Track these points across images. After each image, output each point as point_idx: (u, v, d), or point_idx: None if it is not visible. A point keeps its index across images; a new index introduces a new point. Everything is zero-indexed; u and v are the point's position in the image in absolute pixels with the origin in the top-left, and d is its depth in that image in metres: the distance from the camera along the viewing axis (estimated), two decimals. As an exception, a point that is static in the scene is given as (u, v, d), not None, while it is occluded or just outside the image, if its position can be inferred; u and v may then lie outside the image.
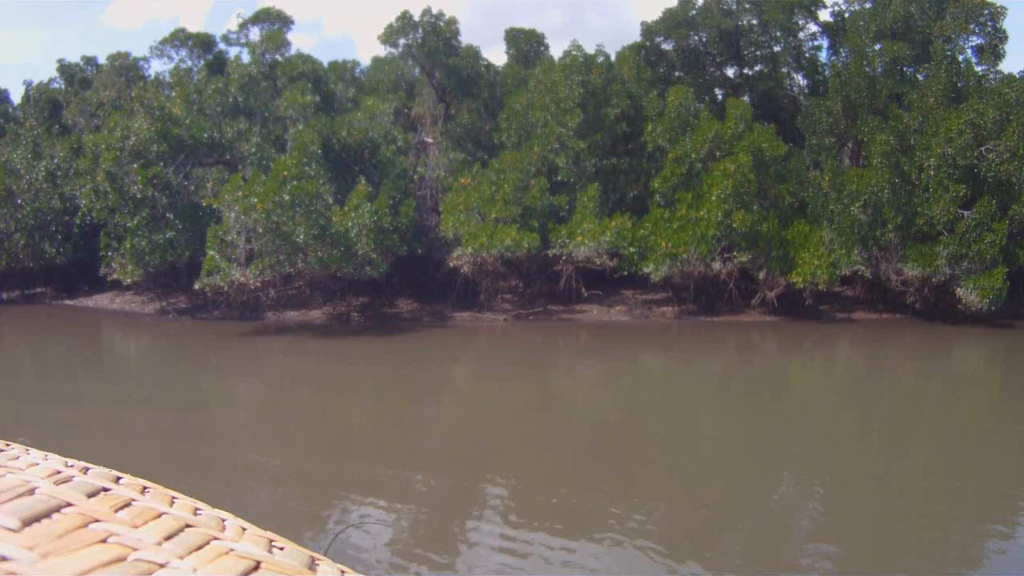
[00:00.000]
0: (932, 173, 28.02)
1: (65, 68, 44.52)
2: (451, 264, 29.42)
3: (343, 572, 2.41)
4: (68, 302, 31.85)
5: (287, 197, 26.16)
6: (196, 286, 26.78)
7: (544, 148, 30.73)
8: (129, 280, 28.02)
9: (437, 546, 11.46)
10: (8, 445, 3.06)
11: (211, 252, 26.56)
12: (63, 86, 44.10)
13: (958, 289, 26.97)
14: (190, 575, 2.01)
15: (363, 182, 28.85)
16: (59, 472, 2.61)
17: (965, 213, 27.30)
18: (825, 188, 29.44)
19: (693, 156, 29.67)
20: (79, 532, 2.08)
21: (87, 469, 2.75)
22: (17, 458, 2.84)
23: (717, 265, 28.65)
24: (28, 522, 2.07)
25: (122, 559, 1.99)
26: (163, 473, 10.80)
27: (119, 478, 2.69)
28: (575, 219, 29.45)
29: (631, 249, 28.99)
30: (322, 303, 29.50)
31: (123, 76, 40.57)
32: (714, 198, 28.33)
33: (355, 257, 27.28)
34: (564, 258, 29.25)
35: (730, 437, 17.06)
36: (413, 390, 21.08)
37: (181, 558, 2.08)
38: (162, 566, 1.99)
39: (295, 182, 26.67)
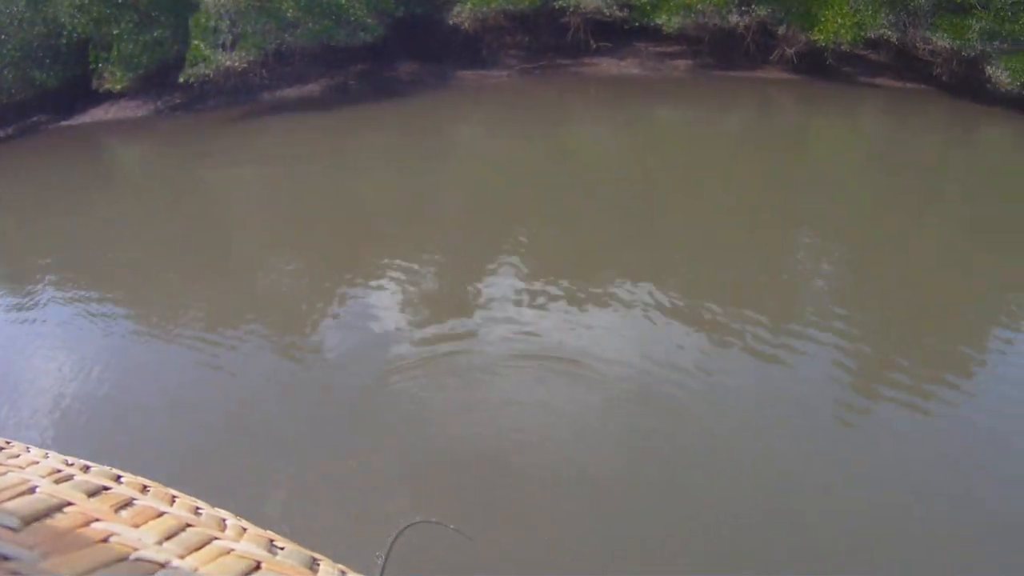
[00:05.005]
0: (964, -62, 28.00)
1: None
2: (451, 22, 30.68)
3: (343, 572, 2.70)
4: (64, 123, 32.63)
5: None
6: (180, 79, 28.39)
7: None
8: (120, 87, 29.35)
9: (453, 305, 13.51)
10: (8, 443, 3.39)
11: (195, 42, 28.04)
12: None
13: (989, 67, 27.89)
14: (191, 575, 2.25)
15: (353, -55, 29.26)
16: (59, 471, 2.85)
17: (1001, -12, 27.65)
18: (849, -56, 29.34)
19: None
20: (80, 531, 2.32)
21: (87, 467, 3.00)
22: (17, 456, 3.12)
23: (734, 17, 29.73)
24: (29, 521, 2.30)
25: (123, 559, 2.22)
26: (177, 272, 16.23)
27: (119, 477, 2.92)
28: (582, -32, 30.07)
29: (644, -1, 29.89)
30: (319, 76, 31.05)
31: None
32: (727, -54, 28.85)
33: (348, 24, 28.75)
34: (572, 9, 30.46)
35: (747, 196, 19.43)
36: (420, 155, 23.03)
37: (181, 558, 2.32)
38: (162, 566, 2.23)
39: (275, -46, 27.45)
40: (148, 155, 28.08)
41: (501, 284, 14.09)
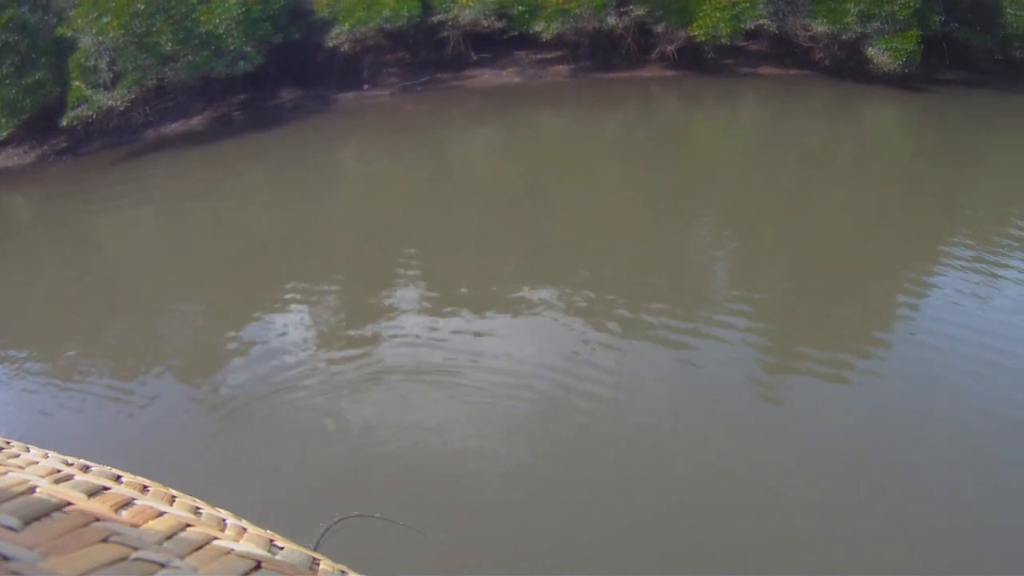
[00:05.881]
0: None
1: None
2: (330, 44, 31.52)
3: (343, 572, 2.76)
4: (-51, 181, 33.64)
5: (142, 7, 28.13)
6: (63, 123, 28.82)
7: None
8: (3, 134, 29.78)
9: (357, 328, 13.86)
10: (8, 443, 3.43)
11: (75, 83, 28.87)
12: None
13: (869, 48, 28.80)
14: (191, 575, 2.24)
15: (226, -24, 30.20)
16: (59, 471, 2.90)
17: (876, -29, 28.65)
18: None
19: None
20: (80, 531, 2.31)
21: (87, 467, 3.06)
22: (17, 456, 3.17)
23: (612, 19, 30.64)
24: (29, 521, 2.30)
25: (123, 559, 2.19)
26: (74, 318, 16.33)
27: (119, 477, 2.97)
28: (457, -19, 30.98)
29: (520, 8, 30.90)
30: (202, 109, 31.80)
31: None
32: (603, -53, 29.77)
33: (227, 54, 29.61)
34: (449, 23, 31.34)
35: (638, 193, 20.15)
36: (307, 181, 23.54)
37: (181, 558, 2.32)
38: (163, 566, 2.20)
39: (149, -11, 28.28)
40: (35, 203, 28.51)
41: (401, 302, 14.66)
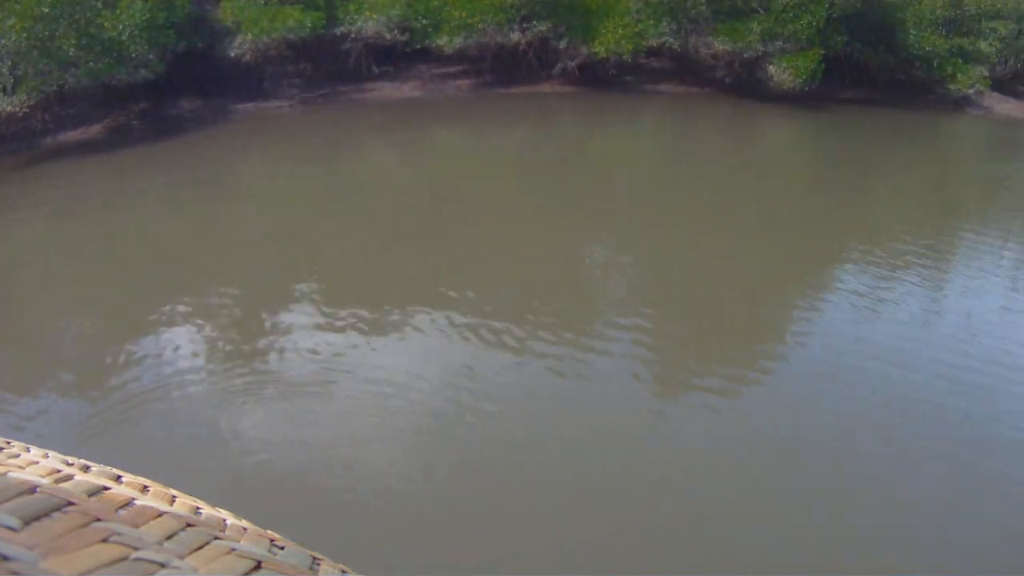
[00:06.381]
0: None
1: None
2: (232, 54, 31.76)
3: (343, 572, 2.75)
4: None
5: (47, 10, 28.25)
6: None
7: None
8: None
9: (250, 339, 13.69)
10: (8, 443, 3.41)
11: None
12: None
13: (771, 66, 29.77)
14: (191, 575, 2.24)
15: (132, -19, 30.50)
16: (59, 471, 2.89)
17: (782, -8, 29.53)
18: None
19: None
20: (80, 531, 2.30)
21: (87, 467, 3.05)
22: (17, 456, 3.16)
23: (515, 35, 30.90)
24: (29, 521, 2.28)
25: (123, 559, 2.19)
26: None
27: (119, 477, 2.97)
28: (361, -7, 31.42)
29: (424, 21, 31.36)
30: (101, 117, 31.82)
31: None
32: (504, -35, 30.18)
33: (130, 61, 29.81)
34: (353, 35, 31.71)
35: (538, 211, 20.13)
36: (204, 194, 23.39)
37: (182, 558, 2.33)
38: (163, 566, 2.20)
39: (54, -9, 28.46)
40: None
41: (295, 314, 14.53)
